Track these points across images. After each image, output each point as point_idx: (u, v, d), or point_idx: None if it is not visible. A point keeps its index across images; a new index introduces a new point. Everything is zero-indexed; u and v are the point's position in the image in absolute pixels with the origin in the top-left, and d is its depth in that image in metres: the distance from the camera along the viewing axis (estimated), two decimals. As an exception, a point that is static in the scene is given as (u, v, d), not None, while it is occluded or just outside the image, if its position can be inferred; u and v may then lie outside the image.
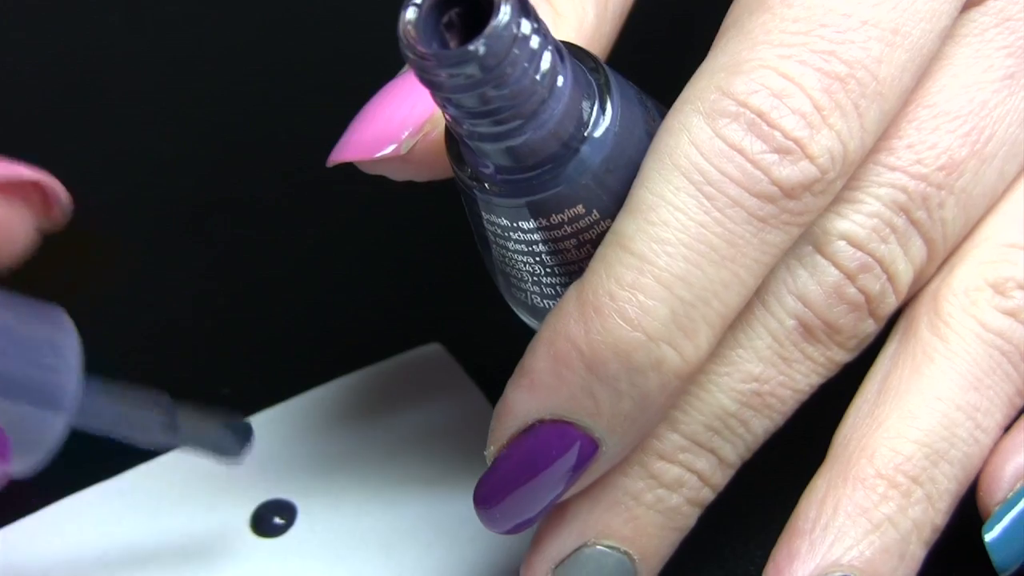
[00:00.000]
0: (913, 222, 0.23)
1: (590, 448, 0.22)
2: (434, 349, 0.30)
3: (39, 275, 0.33)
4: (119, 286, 0.32)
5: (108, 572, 0.25)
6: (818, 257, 0.23)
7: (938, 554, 0.24)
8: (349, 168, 0.35)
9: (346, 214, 0.34)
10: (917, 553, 0.23)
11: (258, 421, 0.28)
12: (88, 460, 0.27)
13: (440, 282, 0.32)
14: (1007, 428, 0.24)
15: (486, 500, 0.23)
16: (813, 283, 0.23)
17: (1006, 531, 0.23)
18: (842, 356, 0.24)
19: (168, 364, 0.30)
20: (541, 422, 0.22)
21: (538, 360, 0.22)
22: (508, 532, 0.23)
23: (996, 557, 0.23)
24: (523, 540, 0.25)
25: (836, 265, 0.23)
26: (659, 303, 0.21)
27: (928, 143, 0.23)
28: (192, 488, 0.27)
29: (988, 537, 0.23)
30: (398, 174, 0.25)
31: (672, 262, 0.21)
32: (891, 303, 0.23)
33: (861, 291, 0.23)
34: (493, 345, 0.29)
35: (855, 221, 0.23)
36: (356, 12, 0.40)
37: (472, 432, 0.27)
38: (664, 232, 0.21)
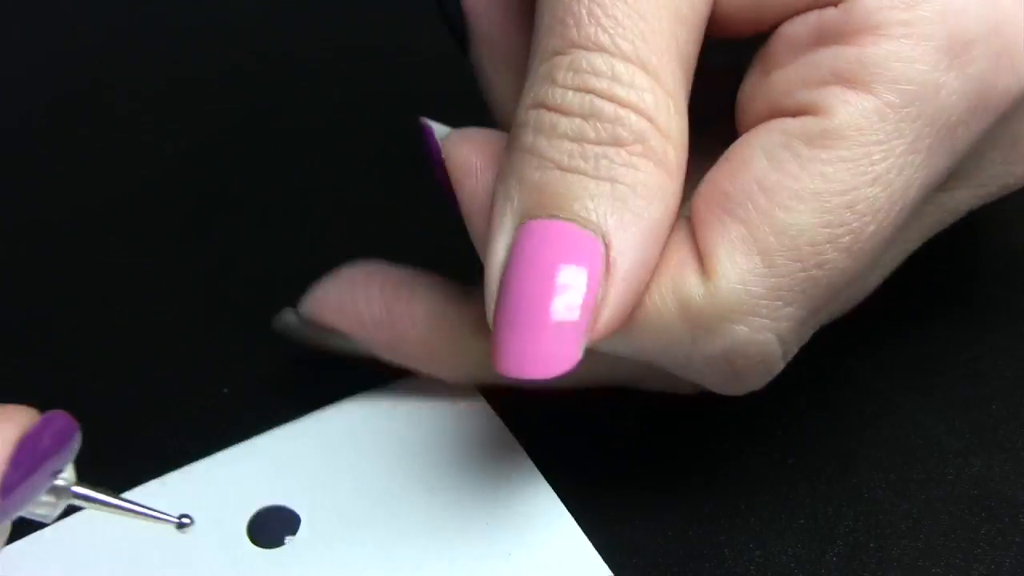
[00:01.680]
0: None
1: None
2: None
3: (39, 275, 0.33)
4: (119, 286, 0.32)
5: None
6: None
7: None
8: (345, 166, 0.35)
9: (343, 212, 0.34)
10: None
11: (266, 439, 0.27)
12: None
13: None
14: None
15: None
16: None
17: None
18: None
19: (168, 364, 0.30)
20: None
21: None
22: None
23: None
24: (529, 559, 0.25)
25: None
26: None
27: None
28: (193, 498, 0.26)
29: None
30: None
31: None
32: None
33: None
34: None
35: None
36: (358, 11, 0.40)
37: (482, 445, 0.27)
38: None
